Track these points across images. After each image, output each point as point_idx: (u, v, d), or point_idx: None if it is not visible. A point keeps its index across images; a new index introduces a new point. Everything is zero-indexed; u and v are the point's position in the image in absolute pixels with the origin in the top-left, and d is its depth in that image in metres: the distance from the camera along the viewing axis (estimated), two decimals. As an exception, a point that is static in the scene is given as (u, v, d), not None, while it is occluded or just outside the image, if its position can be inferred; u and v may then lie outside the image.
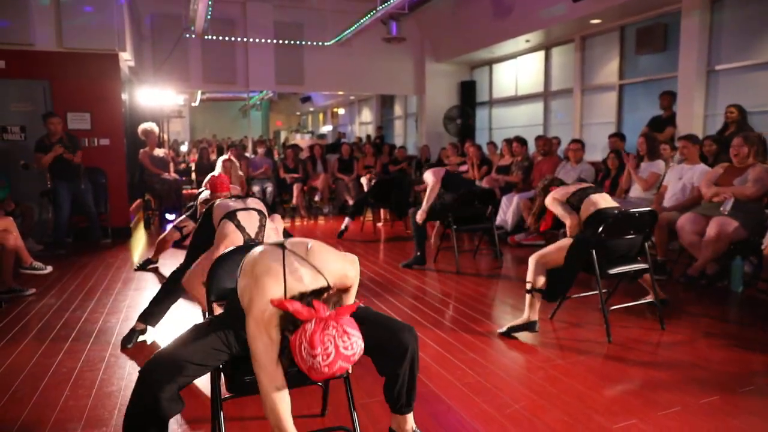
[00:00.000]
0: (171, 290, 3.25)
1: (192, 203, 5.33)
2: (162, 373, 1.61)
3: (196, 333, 1.78)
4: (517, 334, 3.35)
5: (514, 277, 4.90)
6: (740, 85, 6.21)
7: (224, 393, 1.86)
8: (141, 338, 3.30)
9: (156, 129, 7.78)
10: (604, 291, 3.39)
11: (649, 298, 3.68)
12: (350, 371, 1.87)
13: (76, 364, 2.95)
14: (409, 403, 1.93)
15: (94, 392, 2.61)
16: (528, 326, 3.35)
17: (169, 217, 7.42)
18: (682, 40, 6.51)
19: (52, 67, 6.50)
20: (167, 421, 1.65)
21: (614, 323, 3.48)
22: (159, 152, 7.80)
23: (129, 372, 2.85)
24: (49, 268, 4.91)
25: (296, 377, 1.79)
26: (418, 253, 5.33)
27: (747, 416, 2.34)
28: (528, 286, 3.36)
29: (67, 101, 6.52)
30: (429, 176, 5.30)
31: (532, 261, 3.40)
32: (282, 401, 1.65)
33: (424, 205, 5.16)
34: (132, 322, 3.65)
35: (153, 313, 3.29)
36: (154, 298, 3.31)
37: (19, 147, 6.46)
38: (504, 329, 3.40)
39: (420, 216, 5.17)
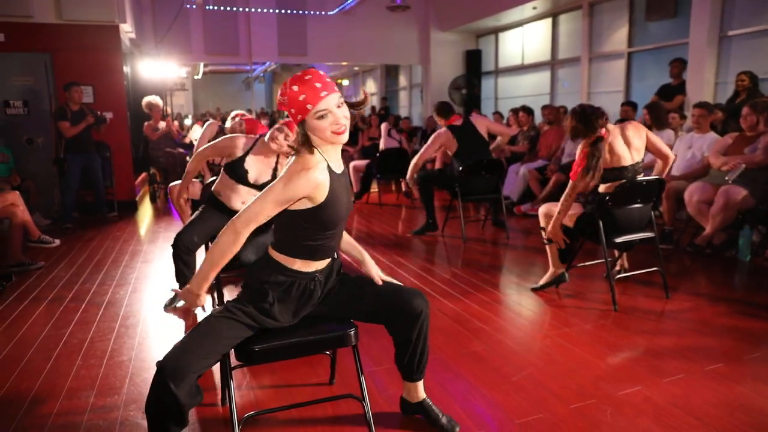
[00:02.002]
0: (181, 257, 3.23)
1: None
2: (178, 369, 1.60)
3: (214, 326, 1.73)
4: (525, 303, 3.37)
5: (521, 247, 4.90)
6: (753, 51, 6.06)
7: (234, 362, 1.88)
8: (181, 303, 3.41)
9: (160, 102, 7.73)
10: (610, 260, 3.39)
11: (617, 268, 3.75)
12: (358, 340, 1.88)
13: (87, 335, 2.99)
14: (420, 369, 1.97)
15: (105, 362, 2.65)
16: (558, 280, 3.52)
17: None
18: (693, 4, 6.34)
19: (52, 40, 6.42)
20: (186, 414, 1.65)
21: (620, 292, 3.49)
22: (162, 125, 7.76)
23: (139, 342, 2.89)
24: (57, 242, 4.96)
25: (307, 346, 1.85)
26: (430, 221, 5.33)
27: (752, 382, 2.35)
28: (544, 237, 3.48)
29: (68, 74, 6.45)
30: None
31: (541, 215, 3.56)
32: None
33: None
34: (140, 293, 3.72)
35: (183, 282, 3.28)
36: (176, 272, 3.29)
37: (23, 121, 6.44)
38: (537, 285, 3.60)
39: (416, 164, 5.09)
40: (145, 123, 7.64)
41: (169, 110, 10.71)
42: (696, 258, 4.34)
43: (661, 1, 6.95)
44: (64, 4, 6.33)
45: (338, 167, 1.80)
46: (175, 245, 3.20)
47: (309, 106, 1.66)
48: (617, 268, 3.77)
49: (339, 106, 1.69)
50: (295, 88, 1.66)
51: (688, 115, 5.48)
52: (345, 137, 1.72)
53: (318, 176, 1.69)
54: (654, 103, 5.53)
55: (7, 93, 6.40)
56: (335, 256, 1.97)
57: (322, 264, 1.87)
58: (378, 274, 1.95)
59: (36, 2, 6.26)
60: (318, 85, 1.66)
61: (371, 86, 15.63)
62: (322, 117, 1.67)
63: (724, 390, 2.29)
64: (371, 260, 1.99)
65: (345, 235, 2.01)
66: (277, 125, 3.14)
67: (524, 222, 5.90)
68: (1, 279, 3.85)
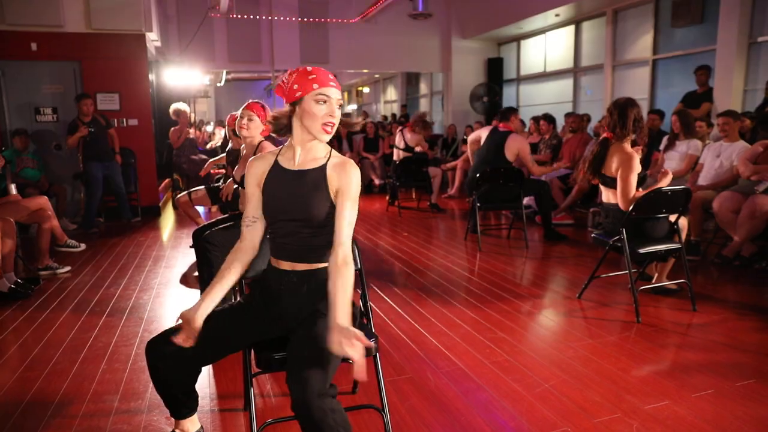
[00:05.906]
0: (204, 252, 3.17)
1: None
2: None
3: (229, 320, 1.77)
4: (547, 313, 3.34)
5: (541, 257, 4.85)
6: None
7: (254, 369, 1.88)
8: None
9: (187, 109, 7.84)
10: (633, 271, 3.33)
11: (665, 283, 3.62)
12: (377, 349, 1.87)
13: (112, 339, 3.03)
14: None
15: (129, 366, 2.69)
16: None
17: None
18: (721, 10, 6.24)
19: (81, 49, 6.59)
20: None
21: (645, 304, 3.43)
22: (191, 132, 7.89)
23: (162, 347, 2.92)
24: (83, 246, 5.05)
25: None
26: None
27: (785, 399, 2.28)
28: None
29: (96, 82, 6.62)
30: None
31: None
32: None
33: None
34: (163, 298, 3.76)
35: (206, 280, 3.18)
36: (198, 269, 3.26)
37: (52, 128, 6.61)
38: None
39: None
40: (172, 129, 7.75)
41: (193, 117, 10.89)
42: (724, 270, 4.24)
43: (687, 7, 6.84)
44: (93, 14, 6.49)
45: (291, 164, 1.76)
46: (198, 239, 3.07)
47: (315, 85, 1.65)
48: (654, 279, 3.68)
49: (339, 105, 1.70)
50: (309, 68, 1.70)
51: (716, 124, 5.37)
52: (328, 137, 1.70)
53: (255, 162, 1.81)
54: (682, 110, 5.42)
55: (38, 100, 6.58)
56: (319, 280, 1.73)
57: (287, 266, 1.76)
58: (334, 342, 1.46)
59: (67, 12, 6.43)
60: (330, 75, 1.70)
61: (392, 93, 15.68)
62: (322, 102, 1.65)
63: (756, 407, 2.22)
64: (340, 324, 1.49)
65: (337, 272, 1.61)
66: (241, 113, 3.18)
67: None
68: (30, 282, 3.94)
